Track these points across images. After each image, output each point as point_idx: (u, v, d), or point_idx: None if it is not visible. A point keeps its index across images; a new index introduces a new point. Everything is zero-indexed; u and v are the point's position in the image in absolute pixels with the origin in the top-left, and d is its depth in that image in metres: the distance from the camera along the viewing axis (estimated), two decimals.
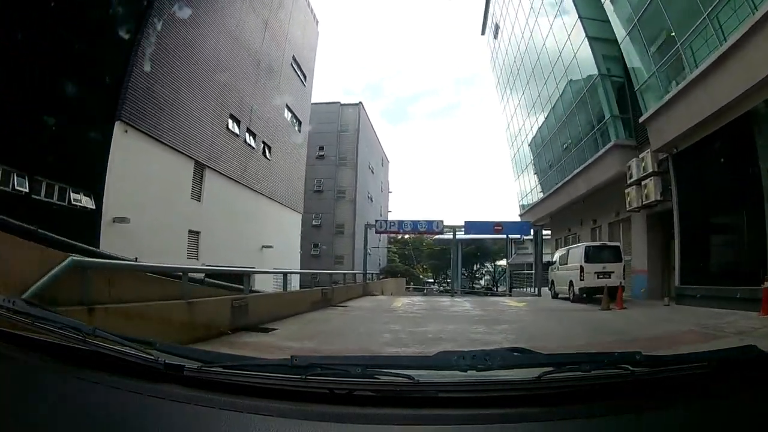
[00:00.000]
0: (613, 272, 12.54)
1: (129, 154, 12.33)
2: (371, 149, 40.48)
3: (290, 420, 1.00)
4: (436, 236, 49.66)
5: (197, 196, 16.36)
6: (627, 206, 14.03)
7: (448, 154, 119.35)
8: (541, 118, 22.31)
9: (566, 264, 14.56)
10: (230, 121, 18.34)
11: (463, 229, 23.32)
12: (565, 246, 18.81)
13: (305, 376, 1.07)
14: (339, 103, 37.65)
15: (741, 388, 1.08)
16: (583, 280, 12.89)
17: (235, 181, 18.62)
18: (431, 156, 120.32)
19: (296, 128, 25.31)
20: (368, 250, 36.59)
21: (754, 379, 1.11)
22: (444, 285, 59.31)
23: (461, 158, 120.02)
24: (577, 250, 13.99)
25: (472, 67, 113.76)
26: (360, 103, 37.77)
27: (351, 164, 35.48)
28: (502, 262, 62.74)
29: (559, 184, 20.19)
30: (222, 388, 1.11)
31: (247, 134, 19.64)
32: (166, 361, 1.16)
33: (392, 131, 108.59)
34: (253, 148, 20.09)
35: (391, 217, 35.48)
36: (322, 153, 35.88)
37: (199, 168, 16.40)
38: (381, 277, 31.76)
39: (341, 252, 33.79)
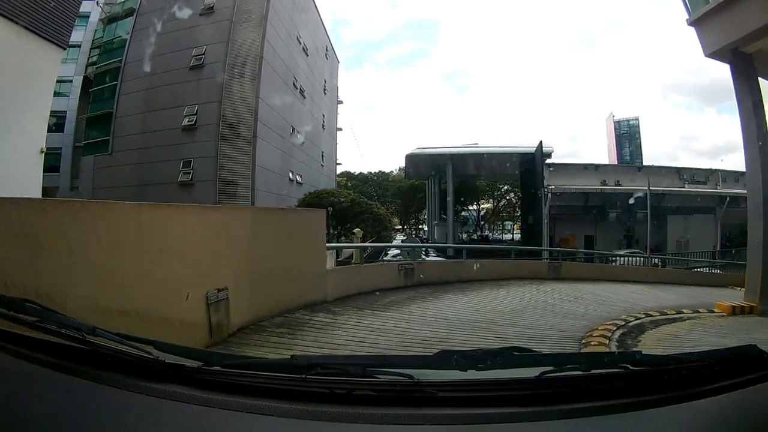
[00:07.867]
0: None
1: None
2: (302, 14, 24.85)
3: (290, 420, 0.99)
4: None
5: None
6: None
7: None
8: None
9: None
10: None
11: None
12: None
13: (305, 375, 1.06)
14: None
15: (741, 388, 1.07)
16: None
17: None
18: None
19: None
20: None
21: (754, 378, 1.09)
22: (416, 234, 46.84)
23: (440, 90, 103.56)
24: None
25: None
26: None
27: (257, 18, 20.04)
28: (486, 205, 50.47)
29: None
30: (222, 388, 1.09)
31: None
32: (166, 361, 1.15)
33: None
34: None
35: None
36: (211, 3, 20.38)
37: None
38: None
39: (233, 174, 19.26)
